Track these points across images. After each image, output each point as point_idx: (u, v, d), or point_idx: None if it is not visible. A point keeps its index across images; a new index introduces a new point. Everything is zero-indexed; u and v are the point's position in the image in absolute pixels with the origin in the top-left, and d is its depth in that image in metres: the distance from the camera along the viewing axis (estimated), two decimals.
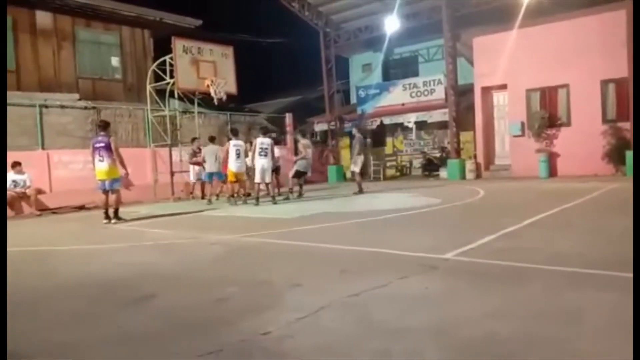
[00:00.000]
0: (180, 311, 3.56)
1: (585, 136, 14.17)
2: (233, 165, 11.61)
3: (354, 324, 3.07)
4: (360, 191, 12.54)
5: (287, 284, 4.07)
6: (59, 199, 12.54)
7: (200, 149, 13.58)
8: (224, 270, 4.84)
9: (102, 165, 8.98)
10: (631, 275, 3.66)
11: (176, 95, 14.90)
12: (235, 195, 12.01)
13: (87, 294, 4.20)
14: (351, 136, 16.19)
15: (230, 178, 11.86)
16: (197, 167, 13.68)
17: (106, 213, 9.23)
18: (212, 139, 13.11)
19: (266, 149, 11.15)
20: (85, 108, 14.92)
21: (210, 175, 12.58)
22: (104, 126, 9.39)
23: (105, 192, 9.17)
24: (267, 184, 11.32)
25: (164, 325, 3.25)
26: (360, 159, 12.93)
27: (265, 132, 11.87)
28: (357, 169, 12.88)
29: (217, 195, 12.95)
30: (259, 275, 4.48)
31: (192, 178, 14.20)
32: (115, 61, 17.59)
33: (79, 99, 15.41)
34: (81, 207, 12.59)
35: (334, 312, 3.27)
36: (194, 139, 14.17)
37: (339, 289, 3.77)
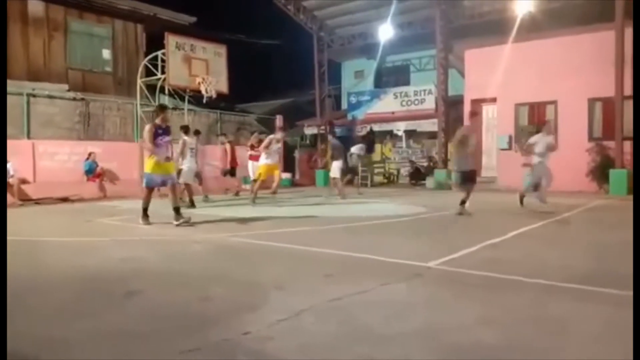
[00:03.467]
0: (164, 308, 3.53)
1: (571, 153, 14.31)
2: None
3: (335, 327, 3.07)
4: (341, 195, 12.27)
5: (270, 285, 4.06)
6: (43, 189, 12.39)
7: (256, 144, 12.73)
8: (209, 270, 4.81)
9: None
10: (615, 291, 3.79)
11: (166, 91, 14.84)
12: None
13: (72, 288, 4.14)
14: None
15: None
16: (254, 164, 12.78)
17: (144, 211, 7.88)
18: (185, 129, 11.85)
19: (193, 149, 11.02)
20: (74, 99, 14.79)
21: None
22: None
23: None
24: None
25: (148, 322, 3.24)
26: (336, 165, 12.49)
27: (186, 130, 11.27)
28: (334, 175, 12.61)
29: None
30: (243, 276, 4.47)
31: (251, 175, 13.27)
32: (106, 54, 17.44)
33: (68, 90, 15.26)
34: (65, 199, 12.45)
35: (315, 316, 3.27)
36: (253, 132, 15.08)
37: (321, 293, 3.78)
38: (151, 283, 4.26)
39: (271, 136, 11.44)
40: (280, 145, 11.52)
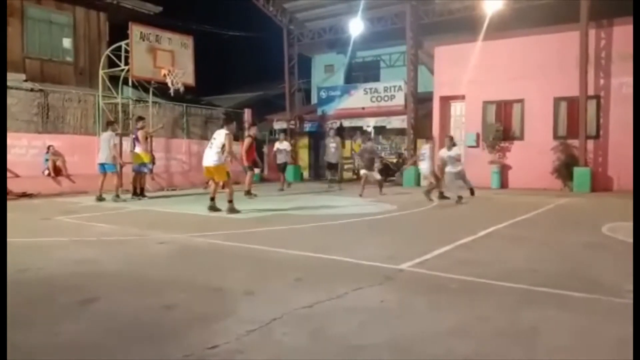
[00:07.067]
0: (122, 318, 3.31)
1: (536, 151, 14.58)
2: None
3: (308, 338, 2.92)
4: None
5: (238, 291, 3.87)
6: None
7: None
8: (172, 274, 4.58)
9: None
10: (582, 295, 3.78)
11: (130, 83, 14.33)
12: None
13: (24, 294, 3.85)
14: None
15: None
16: None
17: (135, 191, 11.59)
18: (109, 124, 11.82)
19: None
20: (32, 90, 14.11)
21: (102, 166, 11.18)
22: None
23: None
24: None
25: (103, 334, 3.01)
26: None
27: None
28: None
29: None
30: (209, 281, 4.26)
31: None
32: (67, 43, 16.71)
33: (26, 80, 14.56)
34: (23, 195, 11.88)
35: (287, 325, 3.11)
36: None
37: (293, 299, 3.62)
38: (108, 289, 4.00)
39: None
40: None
